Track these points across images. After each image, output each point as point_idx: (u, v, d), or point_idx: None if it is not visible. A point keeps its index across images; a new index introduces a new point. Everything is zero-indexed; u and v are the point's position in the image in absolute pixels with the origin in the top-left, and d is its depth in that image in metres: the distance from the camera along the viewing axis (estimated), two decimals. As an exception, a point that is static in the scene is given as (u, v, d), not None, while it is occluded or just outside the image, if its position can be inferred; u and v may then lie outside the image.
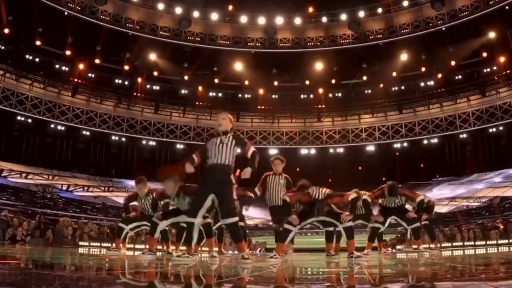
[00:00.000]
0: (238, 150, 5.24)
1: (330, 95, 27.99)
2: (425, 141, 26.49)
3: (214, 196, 5.05)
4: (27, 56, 24.29)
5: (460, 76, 25.91)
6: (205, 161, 5.21)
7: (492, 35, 23.08)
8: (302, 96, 28.35)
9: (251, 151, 5.20)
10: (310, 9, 25.88)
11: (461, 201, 24.47)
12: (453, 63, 24.69)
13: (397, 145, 27.06)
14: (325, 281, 3.48)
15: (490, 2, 22.27)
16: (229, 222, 5.00)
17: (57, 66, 25.23)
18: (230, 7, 25.84)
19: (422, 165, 27.07)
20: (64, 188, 23.85)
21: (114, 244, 8.01)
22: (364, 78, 26.52)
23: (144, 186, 7.45)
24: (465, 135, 25.61)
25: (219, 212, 5.27)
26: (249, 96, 27.99)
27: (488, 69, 25.16)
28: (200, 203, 5.10)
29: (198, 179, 5.38)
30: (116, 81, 26.62)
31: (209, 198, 5.05)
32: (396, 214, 7.55)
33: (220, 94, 28.01)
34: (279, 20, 25.44)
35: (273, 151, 26.93)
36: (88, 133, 25.85)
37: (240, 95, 28.16)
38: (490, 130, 24.86)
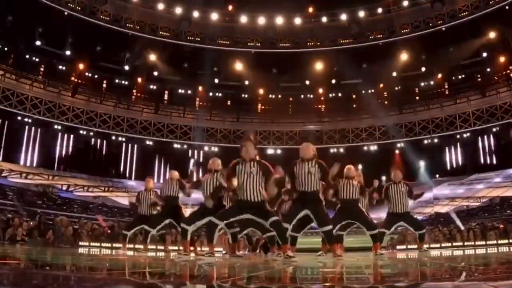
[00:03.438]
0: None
1: (330, 95, 27.96)
2: (425, 141, 26.46)
3: (307, 212, 5.70)
4: (27, 56, 24.27)
5: (460, 76, 25.89)
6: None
7: (492, 35, 23.05)
8: (302, 96, 28.32)
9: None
10: (310, 9, 25.86)
11: (461, 201, 24.46)
12: (453, 63, 24.67)
13: (397, 145, 27.03)
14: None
15: (490, 2, 22.27)
16: (325, 229, 5.72)
17: (57, 66, 25.21)
18: (230, 7, 25.83)
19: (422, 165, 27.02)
20: (64, 188, 23.84)
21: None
22: (364, 78, 26.48)
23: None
24: (465, 135, 25.60)
25: (316, 223, 5.82)
26: (249, 96, 27.96)
27: (488, 69, 25.14)
28: (293, 216, 5.75)
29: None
30: (116, 81, 26.58)
31: (301, 213, 5.72)
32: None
33: (220, 94, 27.98)
34: (279, 20, 25.42)
35: (273, 151, 27.00)
36: (88, 133, 25.84)
37: (240, 95, 28.13)
38: (490, 130, 24.85)
